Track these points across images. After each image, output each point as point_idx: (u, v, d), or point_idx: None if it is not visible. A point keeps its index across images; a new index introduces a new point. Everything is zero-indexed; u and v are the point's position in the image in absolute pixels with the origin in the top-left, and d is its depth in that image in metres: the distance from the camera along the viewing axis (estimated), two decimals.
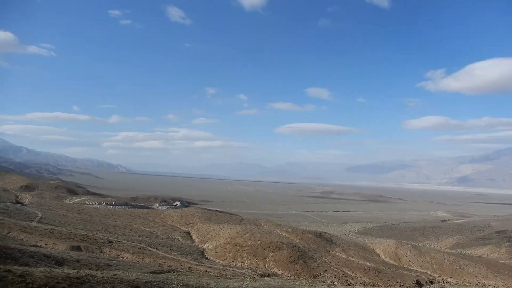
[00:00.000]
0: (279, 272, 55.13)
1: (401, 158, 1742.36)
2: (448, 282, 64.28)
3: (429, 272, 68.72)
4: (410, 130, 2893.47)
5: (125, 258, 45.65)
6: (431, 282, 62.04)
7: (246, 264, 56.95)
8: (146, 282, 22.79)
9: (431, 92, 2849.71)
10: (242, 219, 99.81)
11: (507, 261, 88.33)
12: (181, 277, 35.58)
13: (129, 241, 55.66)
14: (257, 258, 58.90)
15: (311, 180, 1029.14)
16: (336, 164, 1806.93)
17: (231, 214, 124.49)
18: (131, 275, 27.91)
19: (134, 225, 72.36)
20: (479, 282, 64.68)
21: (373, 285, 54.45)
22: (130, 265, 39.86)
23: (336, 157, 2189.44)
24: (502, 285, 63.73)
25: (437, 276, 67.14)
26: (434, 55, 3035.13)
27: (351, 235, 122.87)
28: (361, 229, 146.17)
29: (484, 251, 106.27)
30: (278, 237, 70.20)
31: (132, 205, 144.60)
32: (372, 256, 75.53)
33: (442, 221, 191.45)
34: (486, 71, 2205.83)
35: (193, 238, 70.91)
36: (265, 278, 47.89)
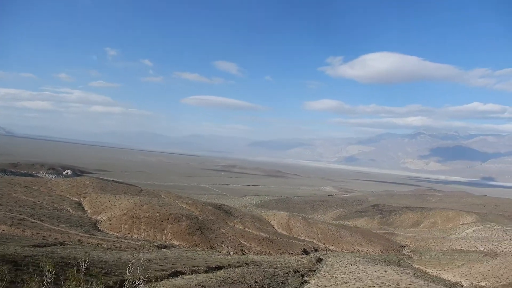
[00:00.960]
0: (176, 243, 55.29)
1: (299, 136, 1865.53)
2: (330, 249, 72.30)
3: (315, 241, 76.19)
4: (309, 111, 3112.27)
5: (0, 230, 40.77)
6: (316, 250, 69.07)
7: (143, 236, 55.72)
8: (26, 257, 20.74)
9: (330, 76, 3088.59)
10: (141, 190, 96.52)
11: (377, 231, 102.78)
12: (68, 250, 33.29)
13: (6, 211, 49.66)
14: (155, 230, 58.02)
15: (214, 153, 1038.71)
16: (239, 139, 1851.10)
17: (129, 184, 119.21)
18: (7, 249, 25.08)
19: (14, 194, 64.57)
20: (354, 249, 74.16)
21: (265, 254, 58.37)
22: (7, 238, 35.80)
23: (240, 132, 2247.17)
24: (372, 251, 74.14)
25: (321, 244, 74.88)
26: (335, 42, 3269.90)
27: (249, 207, 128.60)
28: (259, 202, 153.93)
29: (361, 222, 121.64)
30: (178, 209, 69.93)
31: (12, 171, 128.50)
32: (267, 227, 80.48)
33: (329, 195, 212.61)
34: (377, 62, 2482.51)
35: (85, 209, 66.38)
36: (162, 249, 47.67)
